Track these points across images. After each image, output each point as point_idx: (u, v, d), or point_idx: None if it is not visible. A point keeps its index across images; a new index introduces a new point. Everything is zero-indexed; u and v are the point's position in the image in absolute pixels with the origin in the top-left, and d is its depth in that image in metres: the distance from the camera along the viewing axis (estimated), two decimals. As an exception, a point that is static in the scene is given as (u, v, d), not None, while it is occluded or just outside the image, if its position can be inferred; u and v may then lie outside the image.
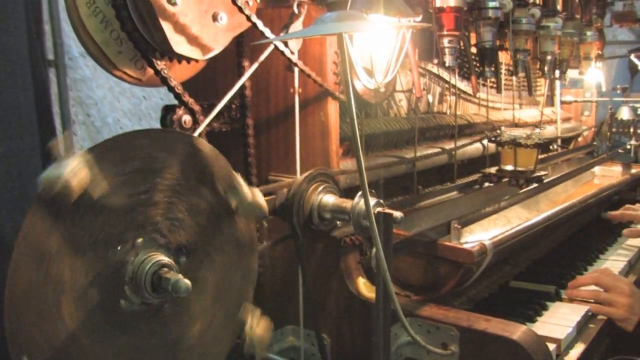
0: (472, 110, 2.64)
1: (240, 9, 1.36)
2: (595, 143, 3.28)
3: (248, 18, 1.38)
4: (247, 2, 1.39)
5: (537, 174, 2.25)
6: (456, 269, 1.58)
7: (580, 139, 2.86)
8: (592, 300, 1.83)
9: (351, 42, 1.43)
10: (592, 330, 1.77)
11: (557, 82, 3.03)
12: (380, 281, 1.27)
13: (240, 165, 1.67)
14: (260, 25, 1.41)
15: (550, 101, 3.27)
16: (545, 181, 2.39)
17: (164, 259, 1.06)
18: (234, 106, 1.68)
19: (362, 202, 1.36)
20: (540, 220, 1.95)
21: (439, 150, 2.18)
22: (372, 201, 1.37)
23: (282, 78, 1.67)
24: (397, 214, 1.32)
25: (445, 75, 2.38)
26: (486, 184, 2.26)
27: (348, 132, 1.81)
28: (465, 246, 1.56)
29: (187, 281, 1.03)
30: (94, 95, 4.38)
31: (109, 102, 4.47)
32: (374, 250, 1.35)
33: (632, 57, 2.84)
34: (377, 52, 1.47)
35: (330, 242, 1.63)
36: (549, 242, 2.41)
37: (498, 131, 2.36)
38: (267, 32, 1.42)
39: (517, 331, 1.43)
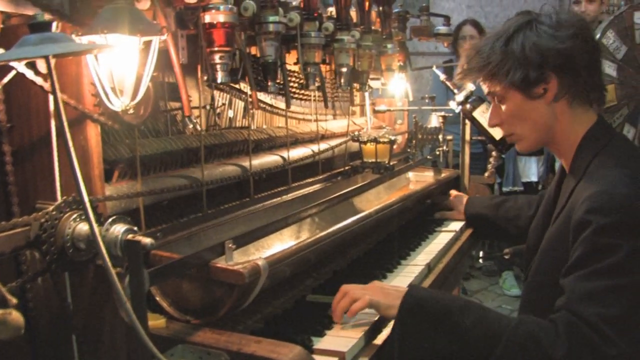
0: (280, 123, 2.64)
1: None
2: (409, 150, 3.41)
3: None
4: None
5: (391, 164, 2.86)
6: (230, 290, 1.55)
7: (395, 146, 2.95)
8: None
9: (97, 61, 1.36)
10: (382, 337, 1.78)
11: (366, 93, 3.12)
12: (134, 313, 1.21)
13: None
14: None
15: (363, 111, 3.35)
16: (349, 189, 2.45)
17: None
18: (-10, 132, 1.57)
19: (111, 229, 1.30)
20: (330, 233, 1.96)
21: (233, 166, 2.15)
22: (123, 228, 1.32)
23: (43, 101, 1.57)
24: (147, 240, 1.27)
25: (247, 89, 2.36)
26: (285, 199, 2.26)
27: (125, 153, 1.75)
28: (236, 267, 1.52)
29: None
30: None
31: None
32: (127, 279, 1.29)
33: (434, 68, 2.98)
34: (126, 72, 1.41)
35: (99, 271, 1.55)
36: (357, 251, 2.42)
37: (357, 132, 2.93)
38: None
39: (288, 353, 1.41)
